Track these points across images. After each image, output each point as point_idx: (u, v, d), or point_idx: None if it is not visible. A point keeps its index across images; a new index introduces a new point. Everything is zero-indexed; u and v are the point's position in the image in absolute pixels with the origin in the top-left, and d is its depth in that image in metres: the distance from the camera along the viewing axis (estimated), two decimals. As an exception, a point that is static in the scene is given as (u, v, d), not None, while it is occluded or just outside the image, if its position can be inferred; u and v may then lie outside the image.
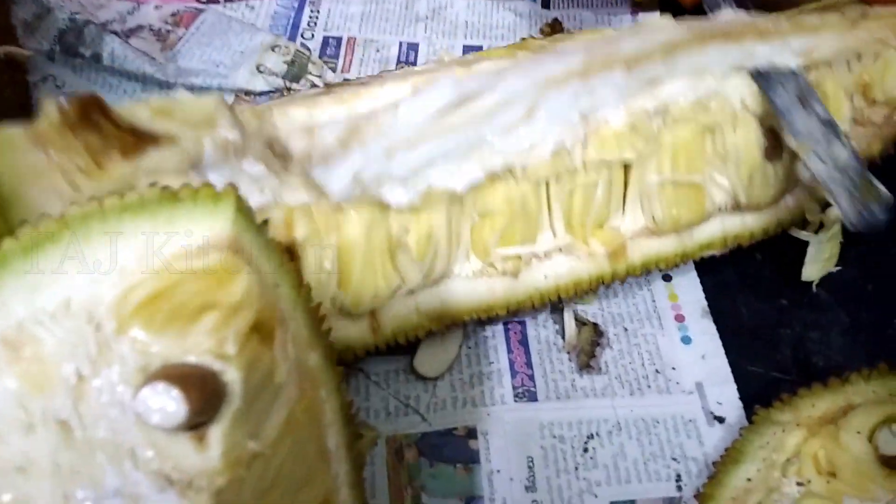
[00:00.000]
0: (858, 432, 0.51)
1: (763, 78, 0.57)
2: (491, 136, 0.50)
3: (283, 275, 0.36)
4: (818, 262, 0.62)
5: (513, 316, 0.60)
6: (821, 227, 0.61)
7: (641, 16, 0.84)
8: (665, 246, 0.59)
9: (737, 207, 0.59)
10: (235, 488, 0.30)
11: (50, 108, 0.36)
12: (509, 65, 0.53)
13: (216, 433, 0.30)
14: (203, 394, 0.29)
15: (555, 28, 0.83)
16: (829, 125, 0.56)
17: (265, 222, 0.35)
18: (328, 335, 0.40)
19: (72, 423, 0.30)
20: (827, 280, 0.66)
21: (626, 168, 0.55)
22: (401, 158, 0.46)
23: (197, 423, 0.29)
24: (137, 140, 0.38)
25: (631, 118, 0.53)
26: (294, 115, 0.47)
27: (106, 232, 0.31)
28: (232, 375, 0.30)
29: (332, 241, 0.47)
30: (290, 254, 0.47)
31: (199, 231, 0.32)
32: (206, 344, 0.30)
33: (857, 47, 0.62)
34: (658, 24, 0.57)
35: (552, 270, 0.56)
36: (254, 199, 0.44)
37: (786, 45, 0.59)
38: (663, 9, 0.84)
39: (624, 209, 0.57)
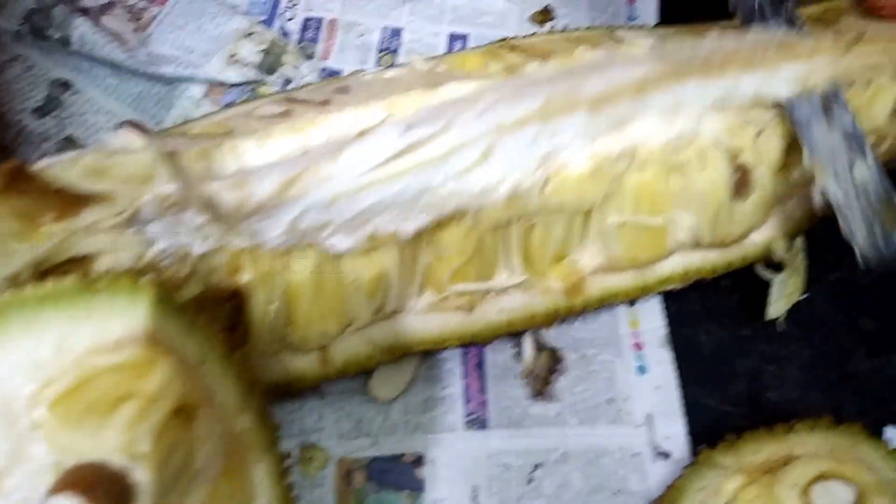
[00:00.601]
0: (794, 486, 0.52)
1: None
2: (442, 181, 0.49)
3: (209, 350, 0.36)
4: (781, 298, 0.61)
5: (466, 347, 0.60)
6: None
7: (638, 5, 0.81)
8: (624, 281, 0.58)
9: (700, 245, 0.59)
10: (144, 585, 0.31)
11: (-29, 180, 0.36)
12: (470, 96, 0.51)
13: (125, 532, 0.31)
14: (109, 498, 0.29)
15: (545, 16, 0.80)
16: (855, 139, 0.53)
17: (188, 303, 0.35)
18: (260, 393, 0.41)
19: (-14, 518, 0.31)
20: (794, 310, 0.66)
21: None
22: (343, 207, 0.45)
23: (107, 522, 0.30)
24: (70, 201, 0.38)
25: (595, 161, 0.52)
26: (243, 152, 0.46)
27: (24, 324, 0.31)
28: (142, 476, 0.31)
29: (280, 283, 0.47)
30: (236, 297, 0.47)
31: (116, 324, 0.32)
32: (119, 441, 0.31)
33: (849, 74, 0.60)
34: (635, 54, 0.55)
35: (507, 305, 0.56)
36: (196, 247, 0.43)
37: (775, 74, 0.56)
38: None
39: (584, 246, 0.56)
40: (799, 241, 0.62)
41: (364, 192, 0.45)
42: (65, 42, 0.69)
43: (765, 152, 0.58)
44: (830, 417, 0.55)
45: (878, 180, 0.52)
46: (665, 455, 0.59)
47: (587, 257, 0.58)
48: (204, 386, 0.36)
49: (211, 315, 0.43)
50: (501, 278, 0.56)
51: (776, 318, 0.62)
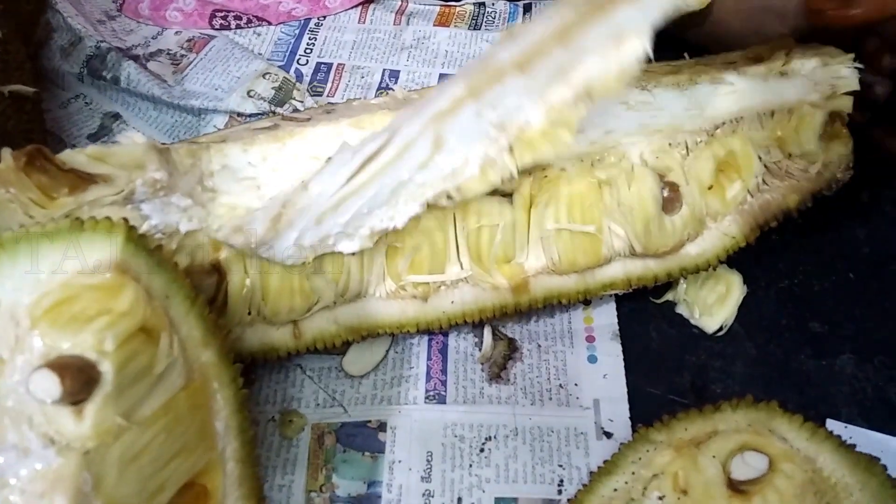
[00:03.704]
0: (714, 456, 0.57)
1: None
2: (409, 175, 0.55)
3: (176, 289, 0.46)
4: (707, 315, 0.68)
5: (423, 333, 0.68)
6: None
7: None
8: (566, 283, 0.64)
9: (635, 254, 0.65)
10: (102, 452, 0.40)
11: (5, 156, 0.47)
12: (399, 115, 0.57)
13: (90, 409, 0.40)
14: (77, 379, 0.39)
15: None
16: None
17: (158, 247, 0.45)
18: (224, 337, 0.50)
19: (-10, 393, 0.40)
20: (742, 313, 0.71)
21: (529, 211, 0.62)
22: (331, 222, 0.54)
23: (77, 400, 0.40)
24: (79, 179, 0.49)
25: (555, 111, 0.52)
26: (228, 153, 0.57)
27: (29, 252, 0.42)
28: (105, 367, 0.40)
29: (254, 261, 0.57)
30: (217, 271, 0.56)
31: (95, 254, 0.42)
32: (90, 341, 0.40)
33: (769, 104, 0.65)
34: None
35: (459, 297, 0.63)
36: (184, 226, 0.54)
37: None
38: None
39: (528, 248, 0.64)
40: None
41: (343, 205, 0.53)
42: (115, 81, 0.83)
43: (693, 172, 0.64)
44: (752, 397, 0.59)
45: None
46: (608, 435, 0.64)
47: (532, 259, 0.64)
48: (168, 316, 0.45)
49: (195, 284, 0.53)
50: (452, 272, 0.63)
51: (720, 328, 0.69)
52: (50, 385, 0.38)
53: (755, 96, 0.64)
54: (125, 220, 0.43)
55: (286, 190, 0.55)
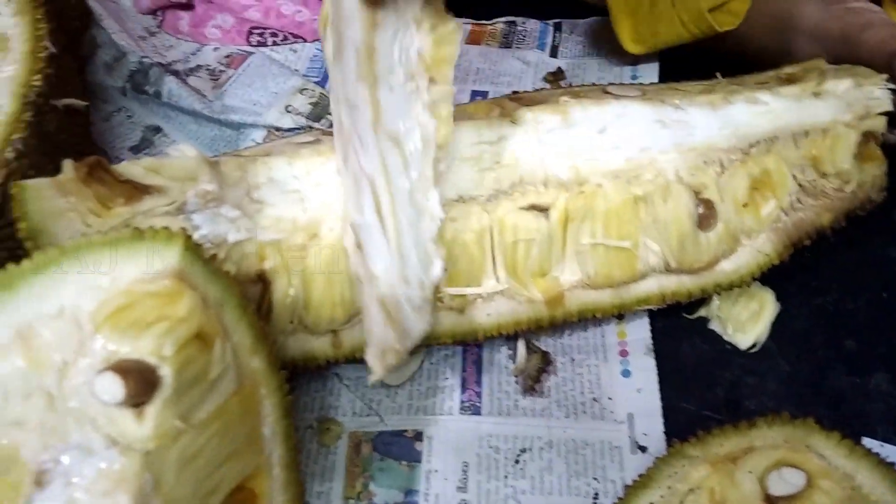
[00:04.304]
0: (751, 472, 0.57)
1: None
2: (409, 184, 0.55)
3: (229, 297, 0.47)
4: (740, 332, 0.68)
5: (458, 345, 0.69)
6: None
7: (641, 68, 0.91)
8: (601, 298, 0.65)
9: (670, 270, 0.65)
10: (162, 453, 0.41)
11: (67, 167, 0.49)
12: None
13: (151, 411, 0.41)
14: (139, 382, 0.40)
15: (557, 76, 0.91)
16: None
17: (213, 256, 0.46)
18: (272, 345, 0.51)
19: (55, 394, 0.42)
20: (776, 330, 0.71)
21: (566, 225, 0.63)
22: (410, 273, 0.55)
23: (138, 403, 0.41)
24: (134, 190, 0.50)
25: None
26: (273, 166, 0.58)
27: (91, 259, 0.43)
28: (165, 371, 0.41)
29: (298, 272, 0.58)
30: (262, 280, 0.58)
31: (155, 262, 0.43)
32: (150, 346, 0.42)
33: (803, 124, 0.66)
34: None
35: (495, 310, 0.64)
36: (232, 236, 0.55)
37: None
38: (663, 61, 0.91)
39: (563, 263, 0.64)
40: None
41: (403, 257, 0.56)
42: (157, 95, 0.85)
43: (727, 189, 0.65)
44: (787, 413, 0.60)
45: None
46: (643, 449, 0.64)
47: (567, 273, 0.65)
48: (222, 323, 0.47)
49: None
50: (488, 285, 0.64)
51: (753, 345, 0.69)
52: (114, 387, 0.39)
53: (789, 116, 0.65)
54: (183, 229, 0.44)
55: (366, 297, 0.56)
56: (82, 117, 0.67)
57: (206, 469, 0.44)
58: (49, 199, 0.49)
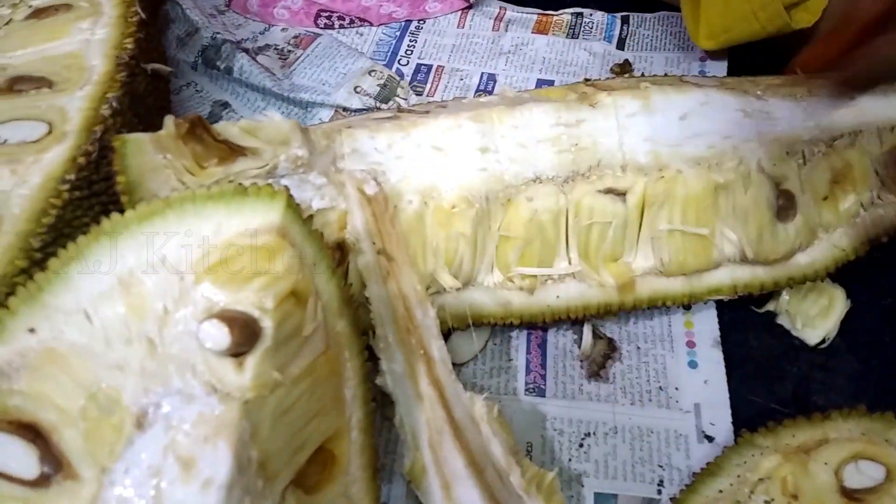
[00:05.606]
0: (826, 463, 0.56)
1: None
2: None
3: (321, 258, 0.48)
4: (809, 327, 0.67)
5: (527, 326, 0.68)
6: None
7: (709, 63, 0.90)
8: (673, 286, 0.65)
9: (745, 260, 0.65)
10: (259, 403, 0.42)
11: (168, 123, 0.50)
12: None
13: (251, 362, 0.41)
14: (243, 332, 0.41)
15: (624, 68, 0.91)
16: None
17: (310, 217, 0.47)
18: (356, 310, 0.51)
19: (156, 341, 0.42)
20: (845, 329, 0.70)
21: (642, 210, 0.63)
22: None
23: (238, 353, 0.41)
24: (230, 151, 0.51)
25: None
26: (357, 137, 0.59)
27: (195, 212, 0.44)
28: (266, 323, 0.42)
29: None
30: (340, 249, 0.58)
31: (258, 218, 0.44)
32: (252, 298, 0.42)
33: (890, 119, 0.65)
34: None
35: (565, 292, 0.64)
36: (316, 203, 0.56)
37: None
38: (732, 57, 0.90)
39: (637, 248, 0.64)
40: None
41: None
42: (228, 71, 0.86)
43: (808, 182, 0.64)
44: (864, 407, 0.59)
45: None
46: (710, 438, 0.64)
47: (640, 259, 0.65)
48: (314, 282, 0.47)
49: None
50: (560, 266, 0.64)
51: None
52: (219, 335, 0.40)
53: (875, 111, 0.64)
54: (286, 188, 0.45)
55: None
56: (165, 84, 0.68)
57: (298, 424, 0.45)
58: (148, 153, 0.49)
